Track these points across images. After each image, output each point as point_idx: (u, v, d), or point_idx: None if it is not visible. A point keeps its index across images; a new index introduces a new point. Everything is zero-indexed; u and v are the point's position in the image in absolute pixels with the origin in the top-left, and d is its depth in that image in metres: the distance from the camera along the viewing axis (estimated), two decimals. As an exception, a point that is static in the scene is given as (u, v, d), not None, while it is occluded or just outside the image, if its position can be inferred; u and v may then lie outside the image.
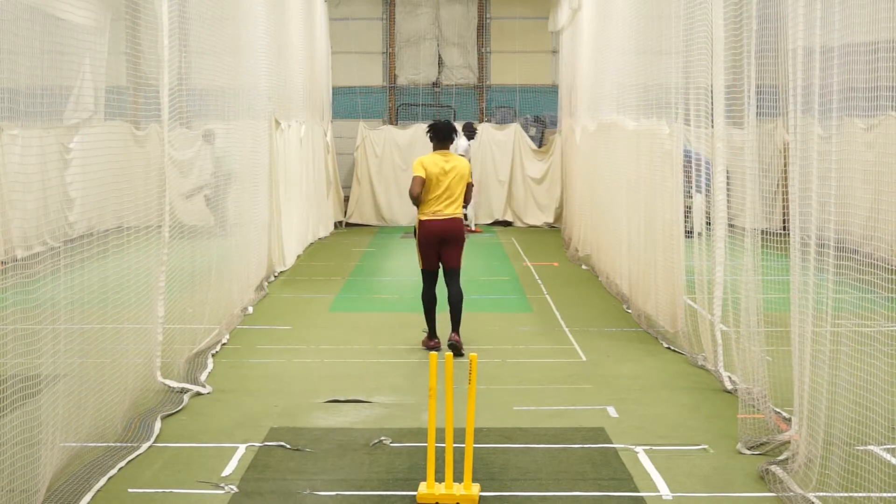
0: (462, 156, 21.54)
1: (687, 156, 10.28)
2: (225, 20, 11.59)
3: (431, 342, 10.47)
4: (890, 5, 5.99)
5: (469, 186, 10.43)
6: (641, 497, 6.34)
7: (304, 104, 18.04)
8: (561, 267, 16.78)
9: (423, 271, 10.43)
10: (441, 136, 10.44)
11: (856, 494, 5.80)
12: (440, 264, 10.41)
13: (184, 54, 9.60)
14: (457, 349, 10.08)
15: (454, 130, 10.56)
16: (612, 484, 6.54)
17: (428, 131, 10.61)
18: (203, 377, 9.12)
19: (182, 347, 9.35)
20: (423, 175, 10.22)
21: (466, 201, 10.47)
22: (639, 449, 7.21)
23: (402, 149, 22.84)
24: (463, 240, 10.38)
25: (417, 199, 10.28)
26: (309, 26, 18.85)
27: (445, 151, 10.44)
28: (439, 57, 24.62)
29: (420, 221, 10.34)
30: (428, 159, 10.39)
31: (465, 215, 22.00)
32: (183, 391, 8.54)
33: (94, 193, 8.06)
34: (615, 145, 13.67)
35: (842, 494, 5.84)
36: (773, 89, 7.69)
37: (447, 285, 10.42)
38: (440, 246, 10.31)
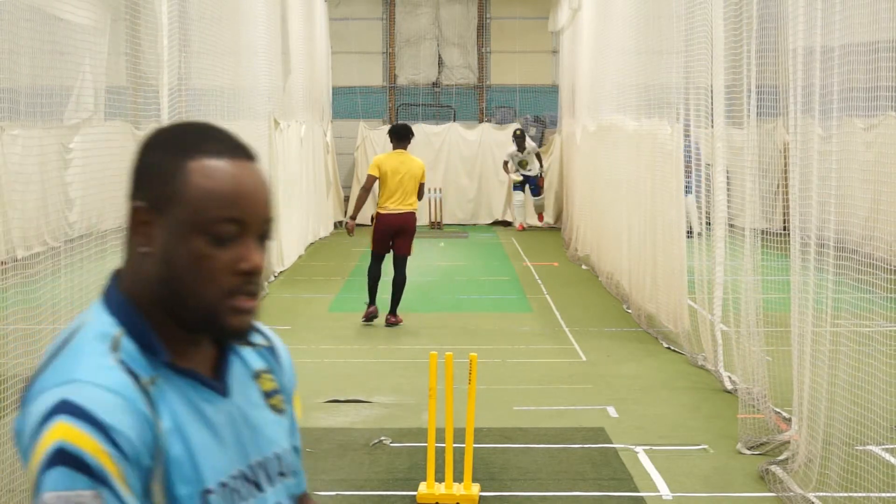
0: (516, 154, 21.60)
1: (687, 153, 10.28)
2: (225, 20, 11.60)
3: (370, 309, 11.64)
4: (890, 5, 6.00)
5: (420, 185, 11.52)
6: (641, 497, 6.34)
7: (304, 104, 18.04)
8: (561, 267, 16.78)
9: (373, 253, 11.59)
10: (399, 137, 11.59)
11: (856, 494, 5.80)
12: (391, 251, 11.54)
13: (184, 54, 9.60)
14: (394, 325, 11.59)
15: (411, 132, 11.74)
16: (612, 484, 6.54)
17: (389, 132, 11.86)
18: (203, 377, 9.11)
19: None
20: (377, 174, 11.43)
21: (420, 197, 11.58)
22: (639, 449, 7.21)
23: (402, 149, 22.82)
24: (413, 232, 11.52)
25: (367, 192, 11.67)
26: (309, 26, 18.85)
27: (402, 151, 11.57)
28: (439, 57, 24.61)
29: (378, 214, 11.48)
30: (383, 158, 11.62)
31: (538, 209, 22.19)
32: (183, 391, 8.53)
33: (94, 193, 8.06)
34: (615, 145, 13.67)
35: (842, 494, 5.84)
36: (773, 89, 7.69)
37: (394, 268, 11.51)
38: (393, 236, 11.40)
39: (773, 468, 6.53)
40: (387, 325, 11.56)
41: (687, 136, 10.21)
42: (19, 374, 5.86)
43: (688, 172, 10.35)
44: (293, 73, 16.78)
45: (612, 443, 7.35)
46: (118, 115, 9.13)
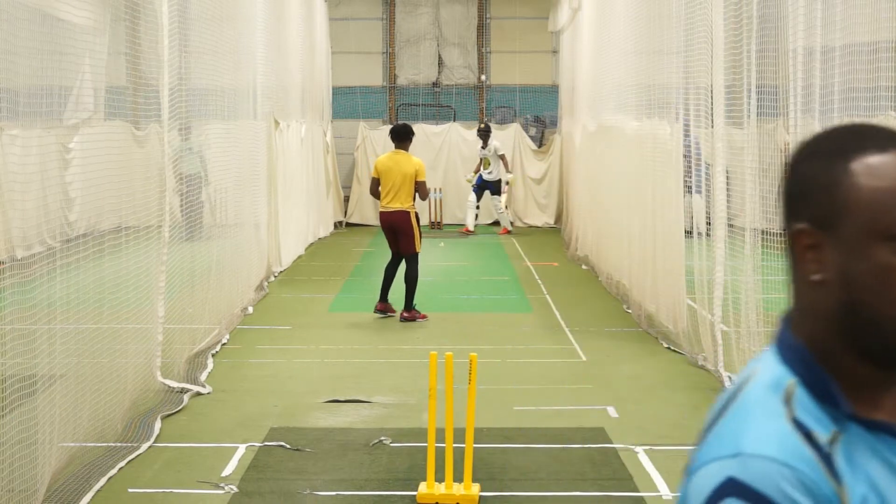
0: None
1: (687, 152, 10.27)
2: (225, 20, 11.60)
3: (379, 305, 12.04)
4: (891, 5, 6.00)
5: (418, 184, 11.80)
6: (641, 497, 6.34)
7: (304, 104, 18.04)
8: (561, 267, 16.78)
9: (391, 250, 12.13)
10: (398, 137, 11.93)
11: (856, 494, 5.79)
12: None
13: (184, 54, 9.60)
14: (408, 321, 11.87)
15: (410, 132, 12.06)
16: (612, 484, 6.54)
17: (389, 132, 12.22)
18: (203, 377, 9.12)
19: (182, 347, 9.35)
20: (375, 175, 11.97)
21: (422, 197, 11.88)
22: (639, 449, 7.21)
23: (402, 149, 22.77)
24: (408, 230, 11.78)
25: (376, 195, 12.01)
26: (309, 26, 18.85)
27: (399, 151, 11.97)
28: (439, 57, 24.61)
29: (379, 212, 12.07)
30: (381, 158, 12.10)
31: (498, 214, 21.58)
32: (183, 391, 8.54)
33: (93, 193, 8.06)
34: (615, 145, 13.67)
35: (842, 494, 5.83)
36: (773, 89, 7.69)
37: (405, 265, 11.94)
38: (392, 233, 11.88)
39: (774, 468, 6.52)
40: (400, 321, 11.91)
41: (687, 135, 10.20)
42: (17, 374, 5.86)
43: (692, 172, 10.33)
44: (293, 73, 16.78)
45: (612, 443, 7.35)
46: (118, 115, 9.13)
